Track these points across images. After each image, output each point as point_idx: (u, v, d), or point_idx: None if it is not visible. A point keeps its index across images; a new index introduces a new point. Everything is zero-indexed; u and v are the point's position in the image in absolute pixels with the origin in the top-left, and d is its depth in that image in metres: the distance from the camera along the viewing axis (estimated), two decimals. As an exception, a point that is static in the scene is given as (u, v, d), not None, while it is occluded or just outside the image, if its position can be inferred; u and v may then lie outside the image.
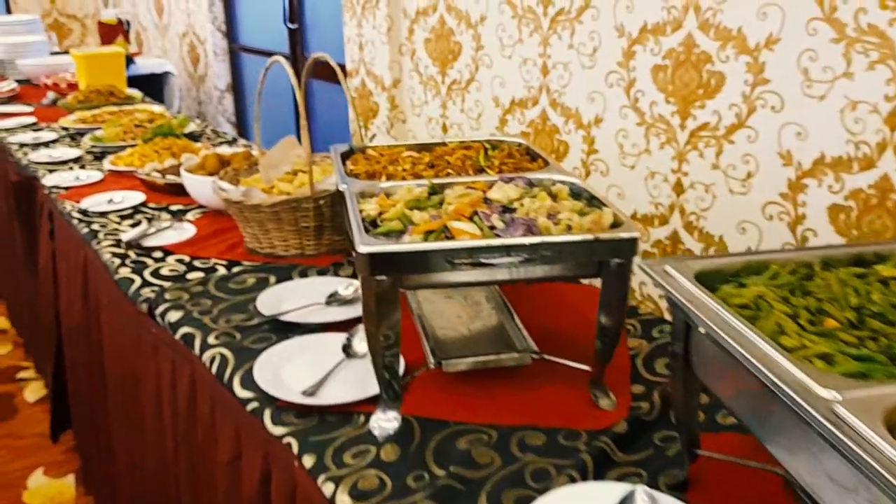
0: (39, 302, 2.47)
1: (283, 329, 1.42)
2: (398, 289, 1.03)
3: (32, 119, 3.35)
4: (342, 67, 3.36)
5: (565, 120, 2.43)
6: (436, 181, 1.30)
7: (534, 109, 2.56)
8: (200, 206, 2.15)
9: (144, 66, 5.09)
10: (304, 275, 1.68)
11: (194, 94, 5.52)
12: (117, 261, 1.79)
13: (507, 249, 1.02)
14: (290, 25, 4.32)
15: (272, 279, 1.66)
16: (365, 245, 1.01)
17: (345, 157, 1.53)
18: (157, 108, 3.25)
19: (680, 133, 2.07)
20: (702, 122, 1.98)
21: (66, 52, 5.13)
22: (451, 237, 1.07)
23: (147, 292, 1.62)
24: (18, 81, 4.18)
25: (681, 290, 0.86)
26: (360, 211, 1.16)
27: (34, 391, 3.11)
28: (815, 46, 1.66)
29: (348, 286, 1.54)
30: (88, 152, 2.80)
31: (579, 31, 2.28)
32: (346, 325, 1.41)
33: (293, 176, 1.88)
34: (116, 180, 2.44)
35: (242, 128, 5.37)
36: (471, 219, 1.12)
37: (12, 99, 3.88)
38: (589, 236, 1.04)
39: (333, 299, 1.51)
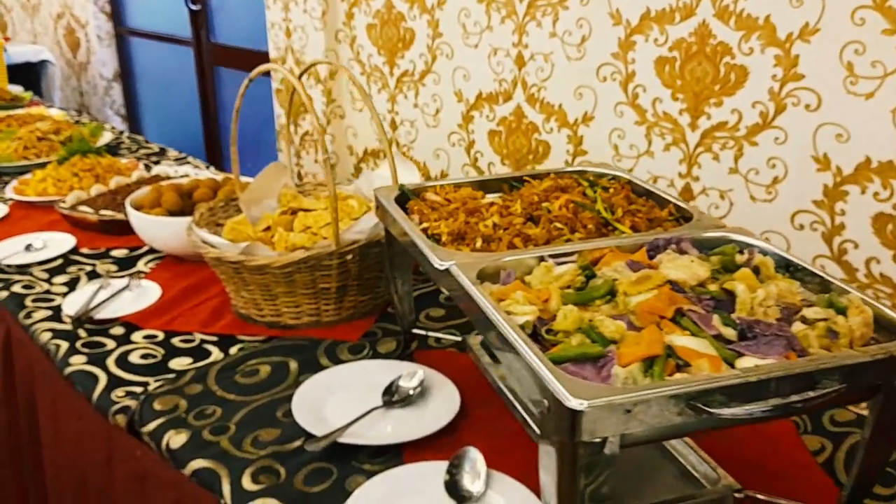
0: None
1: (340, 454, 1.02)
2: (613, 454, 0.67)
3: None
4: (264, 56, 2.91)
5: (546, 117, 2.13)
6: (568, 249, 0.93)
7: (506, 105, 2.24)
8: (153, 251, 1.68)
9: (16, 53, 4.39)
10: (333, 357, 1.26)
11: (74, 83, 4.86)
12: (63, 344, 1.32)
13: (790, 383, 0.67)
14: (193, 6, 3.78)
15: (292, 365, 1.24)
16: (580, 397, 0.63)
17: (398, 204, 1.13)
18: (55, 113, 2.68)
19: (690, 133, 1.82)
20: (717, 122, 1.73)
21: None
22: (683, 364, 0.71)
23: (121, 395, 1.17)
24: None
25: None
26: (508, 313, 0.78)
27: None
28: (862, 38, 1.45)
29: (411, 376, 1.15)
30: (-23, 174, 2.23)
31: (564, 17, 1.99)
32: (429, 445, 1.02)
33: (289, 217, 1.45)
34: (26, 214, 1.91)
35: (133, 121, 4.79)
36: (674, 321, 0.77)
37: None
38: (880, 353, 0.71)
39: (395, 399, 1.12)
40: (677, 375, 0.69)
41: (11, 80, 3.75)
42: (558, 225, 1.04)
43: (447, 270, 0.90)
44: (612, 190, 1.15)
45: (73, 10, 4.62)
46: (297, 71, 2.80)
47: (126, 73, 4.67)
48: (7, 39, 4.73)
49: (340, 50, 2.72)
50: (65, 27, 4.76)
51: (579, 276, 0.86)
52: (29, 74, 4.43)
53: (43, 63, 4.52)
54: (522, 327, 0.76)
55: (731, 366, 0.71)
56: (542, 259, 0.92)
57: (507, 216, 1.07)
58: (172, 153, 2.48)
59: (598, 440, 0.66)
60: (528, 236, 1.02)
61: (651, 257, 0.91)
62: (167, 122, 4.61)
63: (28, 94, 2.99)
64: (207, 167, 2.26)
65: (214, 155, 3.99)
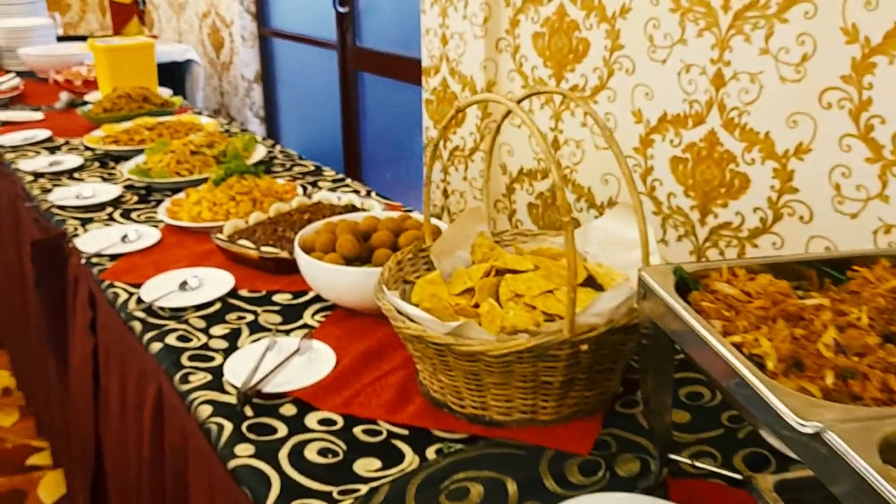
0: (70, 405, 1.77)
1: None
2: None
3: (46, 132, 2.59)
4: (416, 63, 2.66)
5: (747, 146, 1.78)
6: None
7: (696, 130, 1.91)
8: (319, 298, 1.45)
9: (163, 52, 4.35)
10: (560, 477, 0.97)
11: (216, 83, 4.82)
12: (227, 426, 1.08)
13: None
14: (341, 9, 3.59)
15: (510, 486, 0.96)
16: None
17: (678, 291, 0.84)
18: (206, 122, 2.52)
19: (940, 178, 1.44)
20: (981, 168, 1.35)
21: (75, 38, 4.37)
22: None
23: (298, 512, 0.93)
24: (20, 74, 3.40)
25: None
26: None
27: (51, 487, 2.40)
28: None
29: (682, 531, 0.85)
30: (129, 187, 2.08)
31: (781, 31, 1.65)
32: None
33: (493, 280, 1.17)
34: (179, 241, 1.72)
35: (271, 123, 4.70)
36: None
37: (14, 100, 3.10)
38: None
39: (664, 562, 0.82)
40: None
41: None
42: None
43: (817, 435, 0.59)
44: None
45: (218, 10, 4.58)
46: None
47: (267, 75, 4.59)
48: (154, 38, 4.72)
49: (501, 60, 2.46)
50: (209, 26, 4.73)
51: None
52: (173, 73, 4.39)
53: (188, 62, 4.47)
54: None
55: None
56: (962, 428, 0.60)
57: (849, 330, 0.76)
58: (329, 172, 2.27)
59: None
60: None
61: None
62: (306, 126, 4.50)
63: (178, 99, 2.86)
64: (368, 193, 2.03)
65: (352, 162, 3.82)
